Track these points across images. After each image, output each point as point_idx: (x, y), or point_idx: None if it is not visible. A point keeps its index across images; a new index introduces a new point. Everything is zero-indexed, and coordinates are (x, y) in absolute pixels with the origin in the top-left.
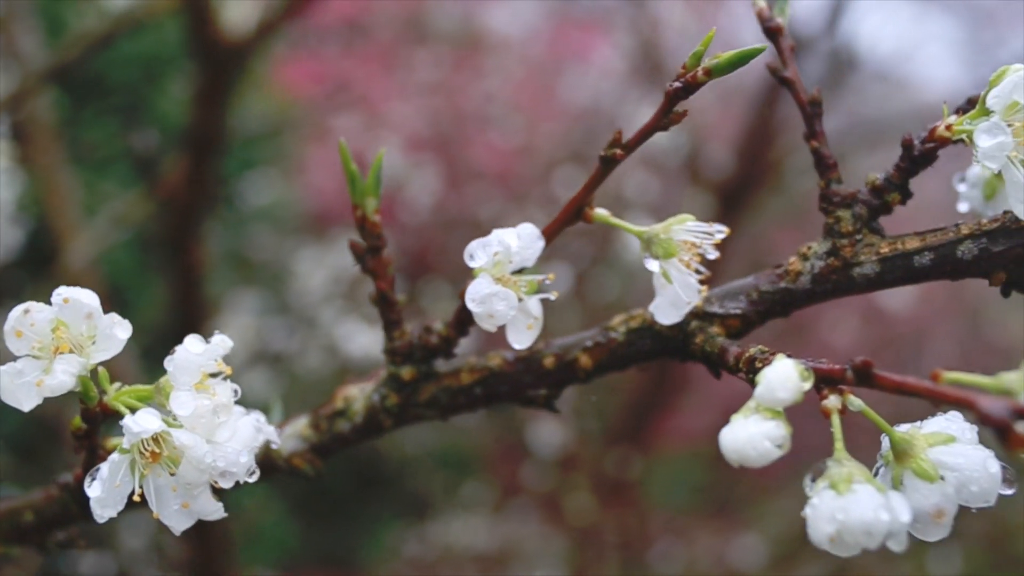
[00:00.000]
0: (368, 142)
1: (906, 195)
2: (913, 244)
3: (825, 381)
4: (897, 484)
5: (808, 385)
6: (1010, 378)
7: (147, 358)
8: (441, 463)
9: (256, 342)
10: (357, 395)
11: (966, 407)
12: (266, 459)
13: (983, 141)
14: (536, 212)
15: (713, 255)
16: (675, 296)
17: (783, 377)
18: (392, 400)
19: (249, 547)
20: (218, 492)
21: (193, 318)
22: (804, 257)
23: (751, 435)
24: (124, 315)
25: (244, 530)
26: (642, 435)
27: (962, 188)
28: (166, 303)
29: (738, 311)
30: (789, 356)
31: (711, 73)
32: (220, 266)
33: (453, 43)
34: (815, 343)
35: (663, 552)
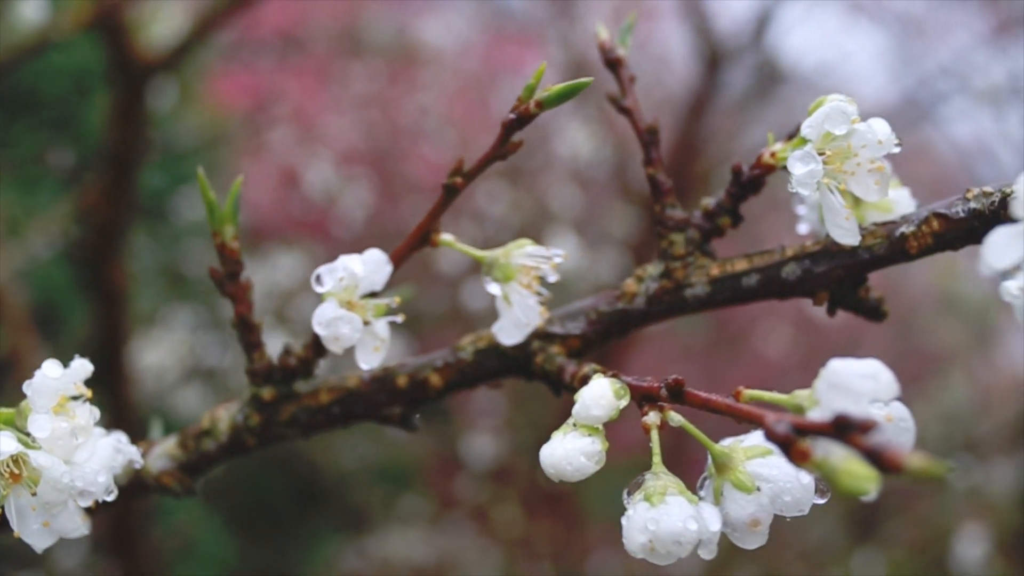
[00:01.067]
0: (303, 156)
1: (737, 219)
2: (741, 266)
3: (645, 398)
4: (718, 496)
5: (624, 403)
6: (802, 395)
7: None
8: (379, 477)
9: (190, 358)
10: (223, 415)
11: (757, 423)
12: (136, 478)
13: (796, 169)
14: (467, 224)
15: (553, 278)
16: (516, 318)
17: (597, 396)
18: (254, 420)
19: (185, 563)
20: (87, 511)
21: (115, 335)
22: (639, 279)
23: (567, 451)
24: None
25: (180, 546)
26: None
27: (802, 210)
28: (87, 320)
29: (578, 331)
30: (613, 375)
31: (542, 105)
32: (153, 281)
33: (388, 56)
34: (748, 353)
35: (600, 563)
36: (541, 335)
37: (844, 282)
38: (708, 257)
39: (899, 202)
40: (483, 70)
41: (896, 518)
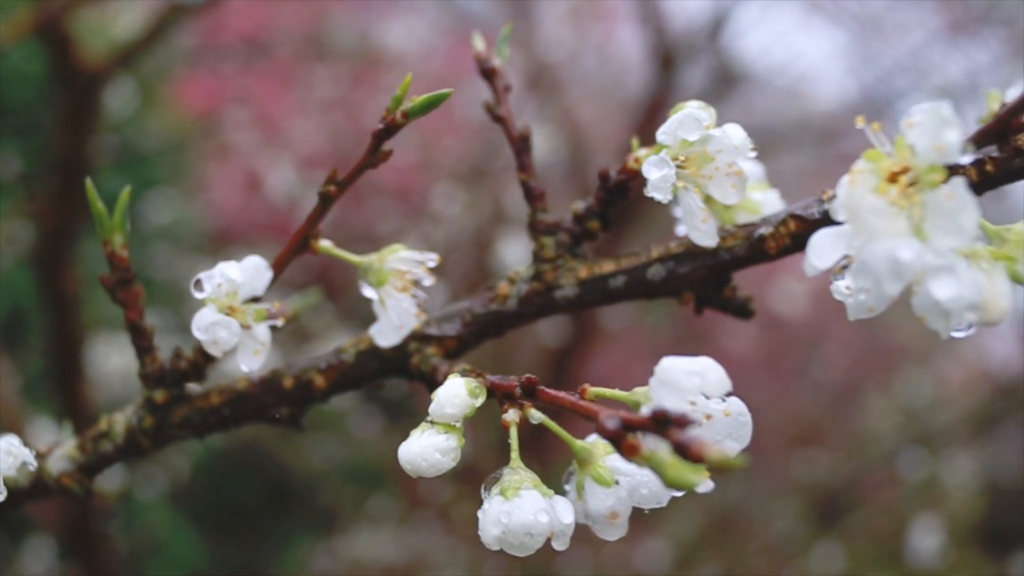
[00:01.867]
0: (267, 159)
1: (607, 223)
2: (608, 268)
3: (504, 397)
4: (580, 490)
5: (479, 401)
6: (640, 392)
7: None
8: (348, 477)
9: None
10: (119, 418)
11: (592, 419)
12: (38, 480)
13: (651, 174)
14: (430, 226)
15: (428, 281)
16: (392, 321)
17: (451, 394)
18: (148, 422)
19: (155, 565)
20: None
21: (70, 340)
22: (512, 281)
23: (423, 448)
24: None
25: (148, 548)
26: (542, 444)
27: (679, 212)
28: (40, 327)
29: (453, 332)
30: (476, 375)
31: (408, 115)
32: None
33: (351, 60)
34: (714, 350)
35: (569, 559)
36: (418, 337)
37: (708, 282)
38: (578, 260)
39: (766, 204)
40: (446, 73)
41: (856, 511)
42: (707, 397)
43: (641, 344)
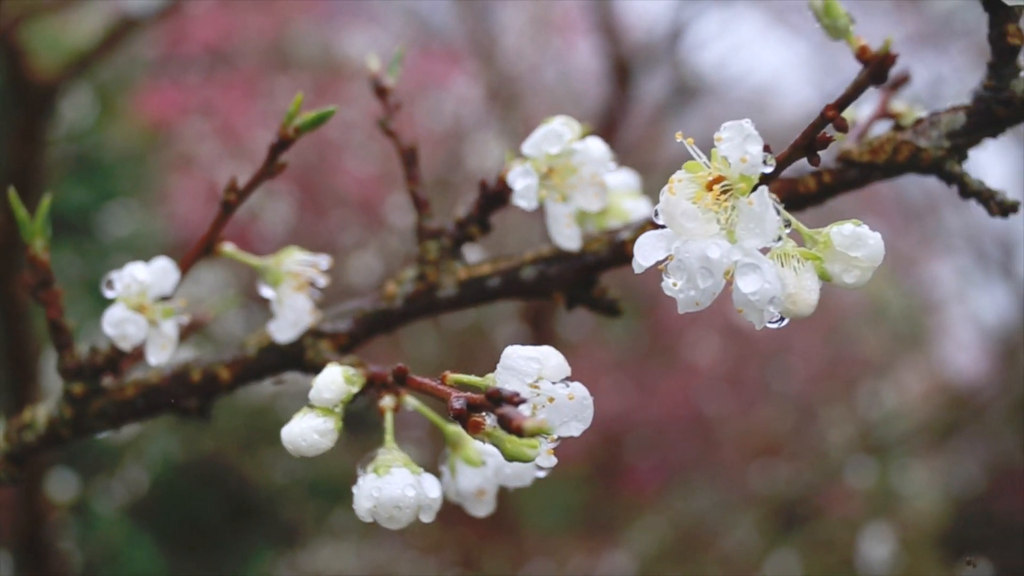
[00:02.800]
0: (230, 170)
1: (486, 227)
2: (485, 270)
3: (382, 385)
4: (453, 470)
5: (356, 388)
6: (490, 376)
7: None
8: (310, 492)
9: None
10: (42, 410)
11: (445, 400)
12: None
13: (516, 184)
14: (390, 238)
15: (322, 282)
16: (288, 318)
17: (328, 381)
18: (67, 413)
19: None
20: None
21: (22, 352)
22: (399, 282)
23: (302, 429)
24: None
25: (105, 561)
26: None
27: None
28: None
29: (345, 329)
30: (356, 364)
31: (299, 130)
32: (80, 298)
33: (314, 71)
34: (679, 362)
35: (534, 573)
36: (313, 333)
37: (576, 283)
38: (458, 262)
39: (635, 211)
40: (409, 83)
41: (813, 521)
42: (552, 383)
43: (606, 357)
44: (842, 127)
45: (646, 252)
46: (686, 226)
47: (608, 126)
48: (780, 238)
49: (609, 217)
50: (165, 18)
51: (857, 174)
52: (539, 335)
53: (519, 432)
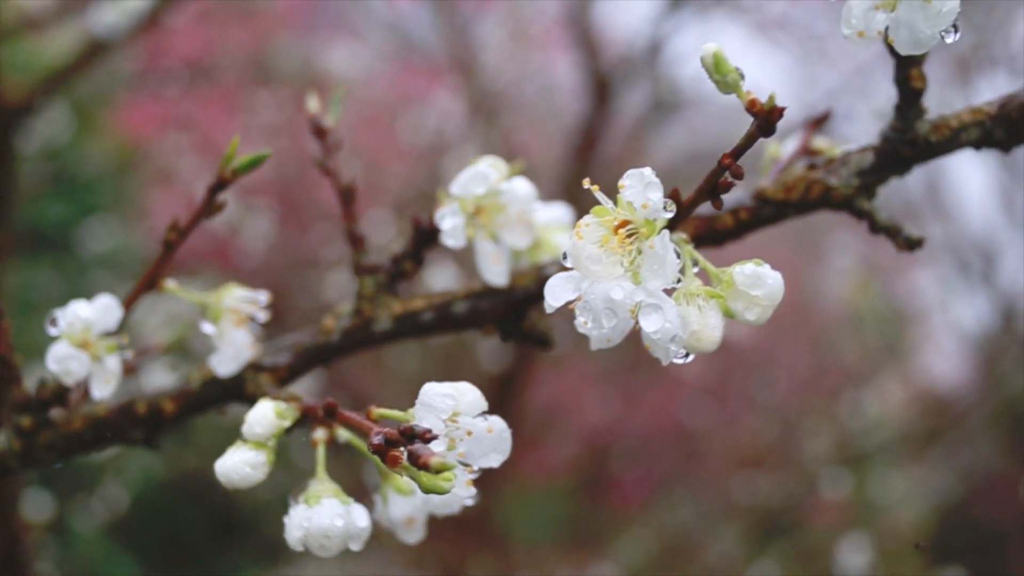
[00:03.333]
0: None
1: (420, 263)
2: (419, 304)
3: (314, 418)
4: (384, 498)
5: (287, 423)
6: (411, 411)
7: None
8: None
9: None
10: None
11: (367, 435)
12: None
13: (443, 224)
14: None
15: (262, 317)
16: (228, 352)
17: (260, 416)
18: (16, 445)
19: None
20: None
21: None
22: (337, 317)
23: (235, 462)
24: None
25: None
26: (499, 470)
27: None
28: None
29: (284, 362)
30: (291, 399)
31: (236, 172)
32: None
33: (295, 84)
34: (664, 374)
35: None
36: (254, 366)
37: (507, 316)
38: (393, 297)
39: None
40: (390, 99)
41: (794, 531)
42: (471, 417)
43: (593, 368)
44: (738, 175)
45: (556, 293)
46: (591, 269)
47: (588, 140)
48: (679, 280)
49: (541, 251)
50: (143, 33)
51: (772, 211)
52: (520, 350)
53: (426, 468)
